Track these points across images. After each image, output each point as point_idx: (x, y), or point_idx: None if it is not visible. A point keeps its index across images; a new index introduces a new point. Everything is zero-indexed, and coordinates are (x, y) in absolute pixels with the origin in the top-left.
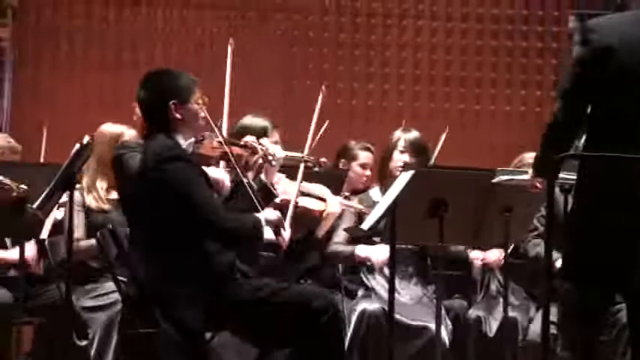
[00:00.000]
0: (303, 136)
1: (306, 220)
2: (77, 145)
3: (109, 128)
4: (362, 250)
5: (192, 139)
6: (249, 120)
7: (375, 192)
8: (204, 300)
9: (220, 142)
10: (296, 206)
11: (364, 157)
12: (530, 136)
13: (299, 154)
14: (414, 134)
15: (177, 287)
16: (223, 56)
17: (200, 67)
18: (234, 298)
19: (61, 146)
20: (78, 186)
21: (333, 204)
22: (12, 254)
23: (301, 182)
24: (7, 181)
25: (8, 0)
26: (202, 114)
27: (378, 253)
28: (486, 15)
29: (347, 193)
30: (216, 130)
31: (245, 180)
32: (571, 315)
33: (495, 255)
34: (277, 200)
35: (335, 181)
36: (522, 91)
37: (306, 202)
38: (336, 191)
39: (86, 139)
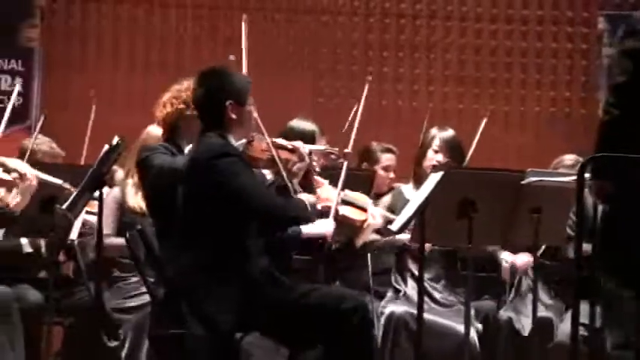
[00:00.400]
0: (333, 135)
1: (345, 228)
2: (106, 146)
3: (156, 130)
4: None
5: (244, 140)
6: (297, 123)
7: (408, 189)
8: (237, 300)
9: (268, 145)
10: (337, 213)
11: (386, 159)
12: (559, 136)
13: (322, 147)
14: (449, 133)
15: (212, 286)
16: (253, 57)
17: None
18: (266, 299)
19: (91, 147)
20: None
21: (374, 215)
22: None
23: (343, 190)
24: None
25: (37, 1)
26: (255, 115)
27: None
28: (516, 16)
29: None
30: (265, 133)
31: (290, 185)
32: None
33: (523, 259)
34: (319, 207)
35: (363, 183)
36: (551, 92)
37: (347, 211)
38: (365, 194)
39: (116, 139)
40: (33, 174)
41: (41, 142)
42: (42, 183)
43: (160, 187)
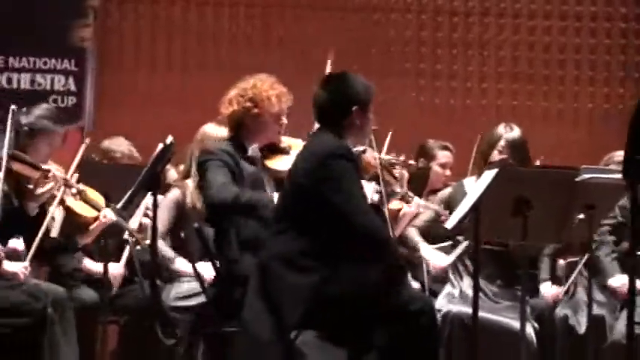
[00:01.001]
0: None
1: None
2: (160, 146)
3: (213, 130)
4: (425, 251)
5: (360, 148)
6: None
7: (470, 181)
8: (307, 296)
9: (377, 160)
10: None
11: (443, 156)
12: (612, 133)
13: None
14: (514, 134)
15: (288, 278)
16: (292, 57)
17: (268, 69)
18: (330, 297)
19: (141, 146)
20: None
21: (414, 204)
22: (97, 267)
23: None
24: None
25: (90, 1)
26: (373, 127)
27: (437, 259)
28: (569, 12)
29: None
30: (374, 144)
31: (383, 208)
32: None
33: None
34: None
35: (418, 180)
36: (605, 89)
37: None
38: (419, 190)
39: (169, 139)
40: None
41: (121, 144)
42: None
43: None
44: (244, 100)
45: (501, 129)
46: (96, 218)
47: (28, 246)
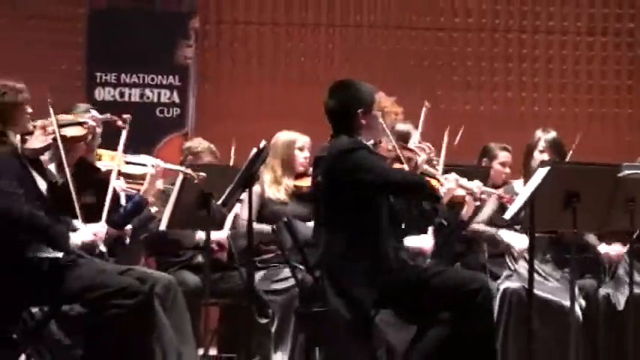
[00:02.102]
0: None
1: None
2: (254, 150)
3: (284, 135)
4: (505, 235)
5: (372, 141)
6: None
7: (518, 184)
8: (374, 280)
9: (394, 146)
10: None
11: (503, 156)
12: None
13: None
14: (552, 134)
15: (351, 267)
16: (376, 69)
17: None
18: (400, 279)
19: (237, 150)
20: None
21: (449, 180)
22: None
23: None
24: (188, 170)
25: (192, 23)
26: (380, 120)
27: (519, 241)
28: (610, 29)
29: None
30: (390, 135)
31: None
32: None
33: (616, 250)
34: None
35: (479, 177)
36: None
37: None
38: None
39: (262, 143)
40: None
41: (201, 142)
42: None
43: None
44: None
45: (539, 132)
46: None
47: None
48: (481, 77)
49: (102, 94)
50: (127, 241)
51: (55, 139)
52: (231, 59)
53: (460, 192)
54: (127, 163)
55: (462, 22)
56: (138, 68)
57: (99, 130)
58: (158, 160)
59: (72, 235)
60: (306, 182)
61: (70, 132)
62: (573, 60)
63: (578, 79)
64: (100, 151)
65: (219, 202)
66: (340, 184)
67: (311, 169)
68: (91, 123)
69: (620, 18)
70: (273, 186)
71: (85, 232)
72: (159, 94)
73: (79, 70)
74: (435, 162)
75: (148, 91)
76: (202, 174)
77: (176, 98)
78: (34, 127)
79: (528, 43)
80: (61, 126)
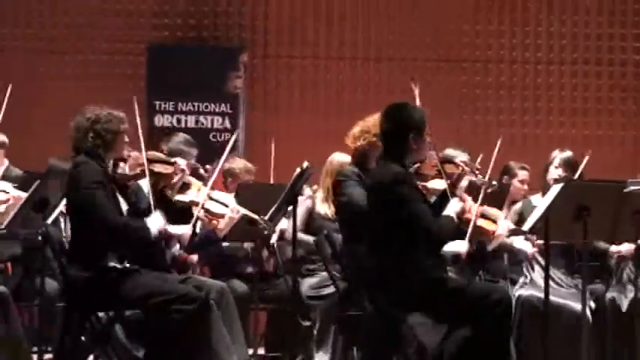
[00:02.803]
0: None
1: (478, 236)
2: (298, 170)
3: (339, 157)
4: (516, 242)
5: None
6: (448, 151)
7: (536, 198)
8: (408, 289)
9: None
10: (475, 225)
11: (522, 174)
12: None
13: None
14: (567, 153)
15: (388, 279)
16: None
17: None
18: (430, 289)
19: (283, 172)
20: (309, 194)
21: (503, 227)
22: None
23: (482, 205)
24: (262, 222)
25: (241, 57)
26: (427, 139)
27: (527, 247)
28: (616, 60)
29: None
30: (435, 151)
31: (449, 191)
32: None
33: (627, 247)
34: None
35: (500, 194)
36: None
37: (483, 223)
38: (501, 202)
39: (305, 164)
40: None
41: (239, 163)
42: None
43: (348, 212)
44: (370, 135)
45: (556, 152)
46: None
47: None
48: (500, 103)
49: (161, 120)
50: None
51: (143, 171)
52: (276, 89)
53: (490, 226)
54: (211, 199)
55: (482, 54)
56: (193, 97)
57: (187, 172)
58: (239, 206)
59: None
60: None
61: (158, 168)
62: (583, 87)
63: (588, 104)
64: (191, 178)
65: (267, 217)
66: (382, 209)
67: None
68: (181, 166)
69: (625, 50)
70: (325, 203)
71: (157, 218)
72: (212, 121)
73: (140, 99)
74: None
75: (202, 118)
76: (259, 219)
77: (228, 124)
78: (129, 156)
79: (543, 73)
80: (151, 161)
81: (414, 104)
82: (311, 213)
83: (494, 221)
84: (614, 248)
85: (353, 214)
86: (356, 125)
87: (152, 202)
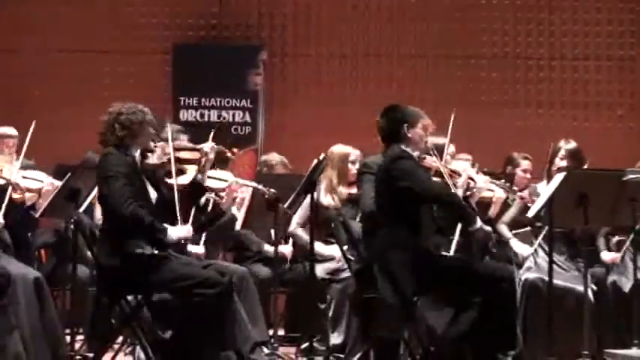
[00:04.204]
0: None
1: (483, 205)
2: (315, 161)
3: (339, 149)
4: (514, 245)
5: (417, 153)
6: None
7: (541, 185)
8: (417, 270)
9: (437, 164)
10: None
11: (525, 164)
12: None
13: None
14: (571, 145)
15: (399, 259)
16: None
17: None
18: (439, 268)
19: (300, 162)
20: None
21: (499, 192)
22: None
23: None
24: (260, 186)
25: (260, 55)
26: (425, 139)
27: (524, 250)
28: (625, 55)
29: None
30: (434, 154)
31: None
32: None
33: (612, 257)
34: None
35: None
36: None
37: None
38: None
39: (322, 156)
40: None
41: (275, 156)
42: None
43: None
44: None
45: (562, 142)
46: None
47: None
48: (504, 96)
49: (185, 115)
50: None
51: (169, 160)
52: (293, 85)
53: (488, 193)
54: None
55: (499, 51)
56: (216, 93)
57: (211, 157)
58: (237, 178)
59: (170, 230)
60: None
61: (185, 155)
62: (583, 83)
63: (589, 97)
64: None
65: (286, 205)
66: (390, 187)
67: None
68: (206, 149)
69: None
70: (329, 194)
71: (180, 230)
72: (233, 115)
73: (166, 95)
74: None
75: (224, 113)
76: (273, 190)
77: (248, 118)
78: (156, 146)
79: (557, 70)
80: (177, 149)
81: (407, 105)
82: (315, 207)
83: (491, 190)
84: (604, 256)
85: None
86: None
87: (176, 194)
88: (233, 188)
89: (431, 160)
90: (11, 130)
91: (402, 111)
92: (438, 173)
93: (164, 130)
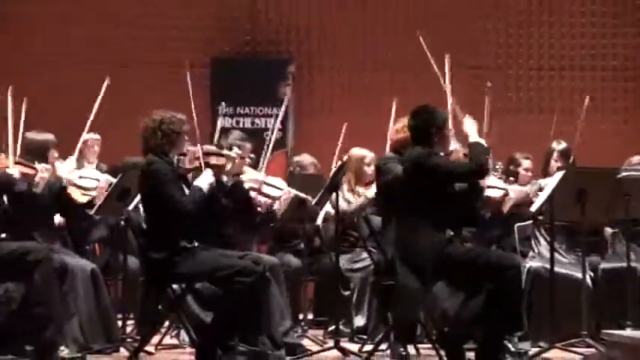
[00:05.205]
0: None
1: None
2: (339, 163)
3: (356, 152)
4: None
5: (442, 153)
6: None
7: (544, 181)
8: (433, 258)
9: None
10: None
11: (526, 163)
12: None
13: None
14: (563, 145)
15: (416, 249)
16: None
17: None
18: (452, 256)
19: (325, 165)
20: None
21: (512, 191)
22: None
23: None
24: (302, 195)
25: (289, 68)
26: (451, 139)
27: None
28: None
29: None
30: (458, 145)
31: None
32: None
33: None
34: None
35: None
36: None
37: (491, 192)
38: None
39: (345, 157)
40: None
41: (307, 158)
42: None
43: (390, 189)
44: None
45: (554, 144)
46: None
47: None
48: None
49: (222, 122)
50: None
51: (200, 165)
52: (319, 95)
53: (498, 193)
54: (266, 184)
55: (503, 62)
56: (249, 102)
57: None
58: (289, 188)
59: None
60: (372, 188)
61: (213, 160)
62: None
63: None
64: (246, 168)
65: (314, 202)
66: (415, 183)
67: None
68: (233, 155)
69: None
70: (349, 194)
71: (205, 176)
72: (265, 122)
73: (205, 104)
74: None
75: (257, 120)
76: (309, 197)
77: (278, 125)
78: (187, 151)
79: (567, 79)
80: (206, 154)
81: (436, 107)
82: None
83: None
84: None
85: (396, 186)
86: (398, 122)
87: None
88: (286, 196)
89: (457, 154)
90: (96, 136)
91: (432, 113)
92: None
93: (230, 136)
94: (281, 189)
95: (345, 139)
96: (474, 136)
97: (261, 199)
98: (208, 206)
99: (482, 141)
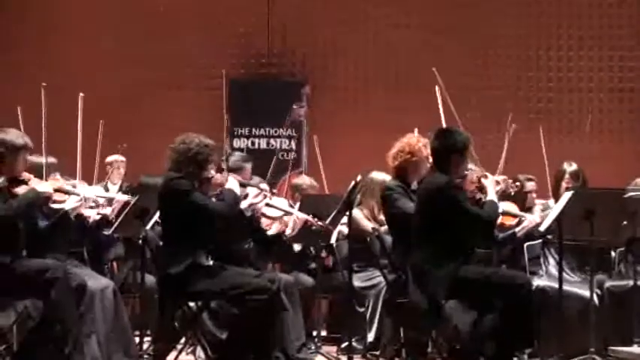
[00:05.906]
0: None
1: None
2: (352, 183)
3: (378, 177)
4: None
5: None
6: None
7: (552, 203)
8: (449, 279)
9: (478, 178)
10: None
11: (530, 185)
12: None
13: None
14: (574, 167)
15: (432, 270)
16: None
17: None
18: (465, 277)
19: (339, 184)
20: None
21: (527, 219)
22: None
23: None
24: (320, 223)
25: (304, 90)
26: (469, 166)
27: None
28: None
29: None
30: (475, 167)
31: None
32: None
33: None
34: None
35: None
36: None
37: (506, 220)
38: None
39: (359, 178)
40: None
41: (305, 179)
42: None
43: (399, 223)
44: (404, 153)
45: (565, 165)
46: None
47: None
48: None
49: (238, 142)
50: None
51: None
52: (333, 116)
53: (513, 221)
54: (267, 205)
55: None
56: (264, 123)
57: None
58: (299, 213)
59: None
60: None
61: (230, 185)
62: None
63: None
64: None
65: (327, 221)
66: (432, 211)
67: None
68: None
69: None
70: (371, 221)
71: (232, 182)
72: (280, 143)
73: (221, 125)
74: (511, 191)
75: (272, 141)
76: (327, 224)
77: (293, 145)
78: (212, 176)
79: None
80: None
81: (461, 129)
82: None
83: (516, 216)
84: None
85: (406, 222)
86: (393, 147)
87: None
88: (288, 217)
89: (471, 178)
90: (121, 157)
91: (455, 138)
92: (479, 189)
93: (231, 158)
94: (284, 210)
95: (360, 159)
96: (491, 195)
97: (264, 219)
98: (227, 225)
99: (496, 200)
